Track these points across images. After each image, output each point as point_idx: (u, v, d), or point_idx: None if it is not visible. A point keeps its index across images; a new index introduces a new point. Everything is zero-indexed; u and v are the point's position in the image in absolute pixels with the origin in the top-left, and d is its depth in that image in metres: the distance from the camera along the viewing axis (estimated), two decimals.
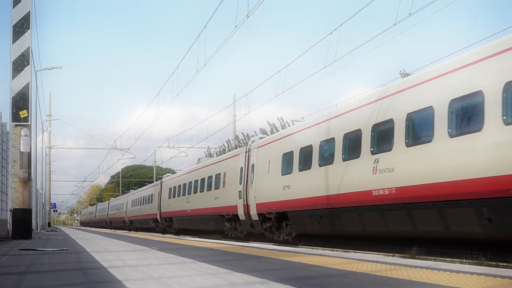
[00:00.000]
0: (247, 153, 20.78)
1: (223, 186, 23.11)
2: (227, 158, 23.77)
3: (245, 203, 20.17)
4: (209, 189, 25.17)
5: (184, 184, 30.15)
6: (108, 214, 66.24)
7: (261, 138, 20.81)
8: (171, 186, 33.67)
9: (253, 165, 19.90)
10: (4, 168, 17.76)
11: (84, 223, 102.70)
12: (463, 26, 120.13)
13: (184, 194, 29.91)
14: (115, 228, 56.05)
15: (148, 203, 40.27)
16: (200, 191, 26.74)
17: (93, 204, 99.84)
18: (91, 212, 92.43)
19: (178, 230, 32.29)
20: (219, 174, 23.93)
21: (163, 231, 34.52)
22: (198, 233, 27.82)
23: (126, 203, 52.14)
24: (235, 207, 21.14)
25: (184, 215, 29.69)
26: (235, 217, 21.37)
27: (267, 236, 18.91)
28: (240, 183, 20.75)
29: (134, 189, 60.29)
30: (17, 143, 16.23)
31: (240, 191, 20.75)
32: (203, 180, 26.53)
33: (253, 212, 19.43)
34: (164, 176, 38.08)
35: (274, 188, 17.69)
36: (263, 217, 18.81)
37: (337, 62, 16.97)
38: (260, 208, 18.83)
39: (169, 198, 33.66)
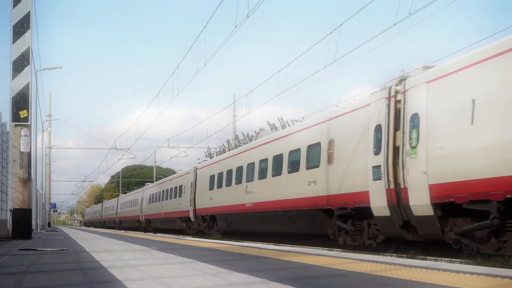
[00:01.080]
0: (393, 99, 12.29)
1: (329, 162, 14.72)
2: (337, 116, 14.73)
3: (392, 186, 11.98)
4: (294, 170, 16.72)
5: (239, 168, 21.60)
6: (118, 212, 57.48)
7: (425, 68, 11.87)
8: (213, 173, 25.11)
9: (414, 115, 11.53)
10: (4, 168, 17.78)
11: (88, 223, 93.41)
12: (462, 26, 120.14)
13: (239, 182, 21.49)
14: (126, 229, 48.57)
15: (175, 198, 32.34)
16: (274, 175, 18.20)
17: (98, 202, 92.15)
18: (96, 211, 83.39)
19: (224, 233, 24.28)
20: (317, 144, 15.51)
21: (198, 233, 27.19)
22: (264, 237, 20.04)
23: (142, 199, 43.67)
24: (363, 195, 12.97)
25: (238, 212, 21.36)
26: (362, 211, 13.24)
27: (466, 246, 10.51)
28: (377, 153, 12.55)
29: (153, 180, 50.86)
30: (17, 143, 16.23)
31: (376, 167, 12.54)
32: (278, 158, 18.01)
33: (419, 201, 11.16)
34: (200, 161, 30.31)
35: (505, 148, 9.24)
36: (444, 210, 10.75)
37: (337, 62, 16.70)
38: (442, 192, 10.57)
39: (211, 189, 25.23)
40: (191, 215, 28.31)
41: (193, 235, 26.64)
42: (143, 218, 42.91)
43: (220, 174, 24.04)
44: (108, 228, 61.47)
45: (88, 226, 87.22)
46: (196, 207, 27.63)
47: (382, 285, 4.55)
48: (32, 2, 16.40)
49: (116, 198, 62.46)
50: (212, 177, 25.32)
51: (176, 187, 32.44)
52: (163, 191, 36.30)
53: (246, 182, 20.68)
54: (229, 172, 22.79)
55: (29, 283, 5.02)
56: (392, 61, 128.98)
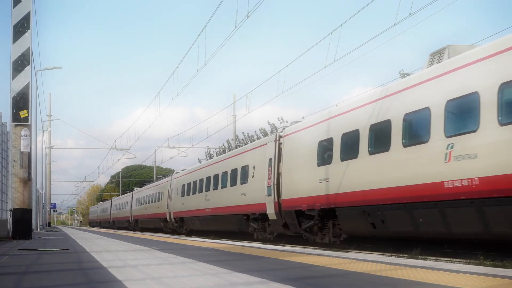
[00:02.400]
0: None
1: None
2: None
3: None
4: None
5: (391, 122, 12.20)
6: (132, 210, 47.76)
7: None
8: (326, 137, 15.05)
9: None
10: (4, 168, 17.79)
11: (94, 223, 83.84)
12: (462, 26, 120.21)
13: (413, 142, 11.49)
14: (144, 230, 40.20)
15: (232, 186, 22.46)
16: None
17: (105, 200, 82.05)
18: (103, 209, 72.53)
19: (350, 239, 14.79)
20: None
21: (283, 239, 18.66)
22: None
23: (169, 192, 33.49)
24: None
25: (413, 200, 11.27)
26: None
27: None
28: None
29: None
30: (17, 143, 16.23)
31: None
32: None
33: None
34: (284, 125, 18.93)
35: None
36: None
37: (337, 62, 16.50)
38: None
39: (322, 164, 15.15)
40: (269, 210, 18.37)
41: (271, 242, 18.29)
42: (172, 217, 32.82)
43: (347, 135, 14.03)
44: (119, 229, 51.20)
45: (94, 227, 79.21)
46: (282, 197, 17.53)
47: (382, 285, 4.55)
48: (32, 2, 16.40)
49: (130, 193, 51.16)
50: (322, 144, 15.33)
51: (234, 170, 22.44)
52: (208, 177, 26.07)
53: (450, 137, 10.41)
54: (379, 126, 12.63)
55: (29, 283, 5.02)
56: (392, 61, 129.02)
